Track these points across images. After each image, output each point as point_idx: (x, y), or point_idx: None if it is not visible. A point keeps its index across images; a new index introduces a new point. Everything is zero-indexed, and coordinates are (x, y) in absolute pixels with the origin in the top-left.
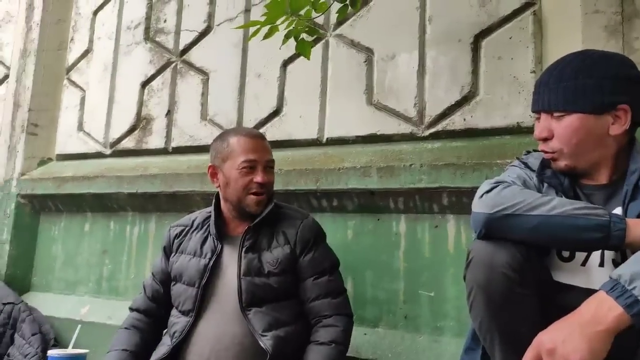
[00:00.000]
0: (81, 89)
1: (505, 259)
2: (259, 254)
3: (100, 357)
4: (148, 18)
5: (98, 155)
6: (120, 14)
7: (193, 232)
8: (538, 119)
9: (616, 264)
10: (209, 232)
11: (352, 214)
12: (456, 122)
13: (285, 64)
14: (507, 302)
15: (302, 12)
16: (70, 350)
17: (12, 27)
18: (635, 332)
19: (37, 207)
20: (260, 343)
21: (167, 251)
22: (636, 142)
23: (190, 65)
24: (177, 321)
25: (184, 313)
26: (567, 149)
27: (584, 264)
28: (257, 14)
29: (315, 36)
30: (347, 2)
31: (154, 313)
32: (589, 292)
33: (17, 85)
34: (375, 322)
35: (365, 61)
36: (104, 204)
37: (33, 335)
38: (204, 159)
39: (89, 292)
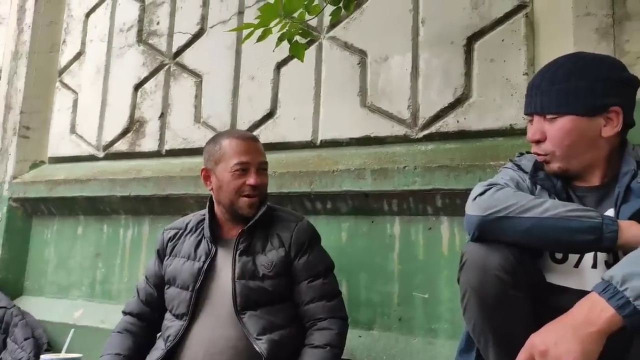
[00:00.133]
0: (73, 91)
1: (498, 261)
2: (253, 257)
3: None
4: (141, 20)
5: (91, 158)
6: (112, 16)
7: (187, 235)
8: (531, 121)
9: (608, 265)
10: (203, 235)
11: (346, 216)
12: (449, 124)
13: (279, 66)
14: (500, 304)
15: (295, 15)
16: (63, 355)
17: (4, 29)
18: (626, 333)
19: (29, 210)
20: (255, 347)
21: (161, 254)
22: (628, 144)
23: (184, 67)
24: (171, 325)
25: (178, 317)
26: (560, 151)
27: (576, 265)
28: (250, 16)
29: (308, 38)
30: (341, 4)
31: (147, 317)
32: (582, 294)
33: (8, 87)
34: (370, 325)
35: (359, 63)
36: (96, 207)
37: (25, 339)
38: (198, 161)
39: (82, 296)
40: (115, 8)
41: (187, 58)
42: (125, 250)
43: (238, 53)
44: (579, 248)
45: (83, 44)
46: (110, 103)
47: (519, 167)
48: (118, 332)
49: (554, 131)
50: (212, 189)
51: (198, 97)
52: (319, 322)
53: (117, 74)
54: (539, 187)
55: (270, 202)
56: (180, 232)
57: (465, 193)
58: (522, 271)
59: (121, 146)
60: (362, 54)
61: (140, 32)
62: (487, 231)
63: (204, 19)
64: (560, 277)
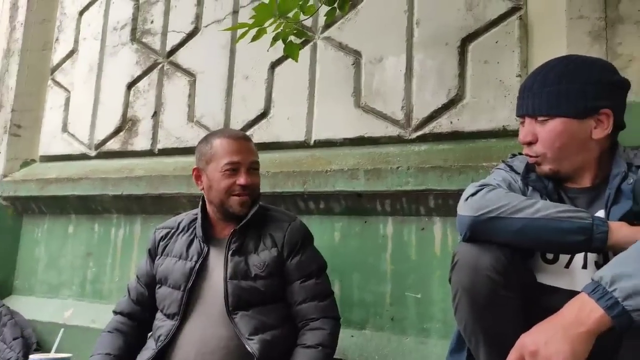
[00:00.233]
0: (66, 89)
1: (489, 261)
2: (245, 257)
3: None
4: (135, 19)
5: (83, 156)
6: (106, 14)
7: (179, 234)
8: (522, 123)
9: (599, 266)
10: (195, 234)
11: (339, 217)
12: (443, 125)
13: (273, 66)
14: (491, 304)
15: (290, 15)
16: (52, 355)
17: None
18: (615, 333)
19: (20, 209)
20: (247, 347)
21: (152, 254)
22: (619, 146)
23: (177, 66)
24: (162, 325)
25: (169, 316)
26: (551, 153)
27: (567, 266)
28: (245, 15)
29: (303, 39)
30: (335, 5)
31: (138, 316)
32: (572, 294)
33: (0, 85)
34: (362, 325)
35: (353, 64)
36: (88, 206)
37: (14, 339)
38: (191, 160)
39: (72, 295)
40: (109, 6)
41: (181, 57)
42: (117, 250)
43: (232, 52)
44: (569, 248)
45: (76, 42)
46: (102, 101)
47: (511, 168)
48: (108, 331)
49: (545, 133)
50: (203, 188)
51: (192, 96)
52: (311, 322)
53: (110, 73)
54: (530, 188)
55: (264, 201)
56: (172, 231)
57: (458, 194)
58: (513, 271)
59: (113, 145)
60: (357, 54)
61: (134, 30)
62: (478, 231)
63: (198, 18)
64: (551, 277)
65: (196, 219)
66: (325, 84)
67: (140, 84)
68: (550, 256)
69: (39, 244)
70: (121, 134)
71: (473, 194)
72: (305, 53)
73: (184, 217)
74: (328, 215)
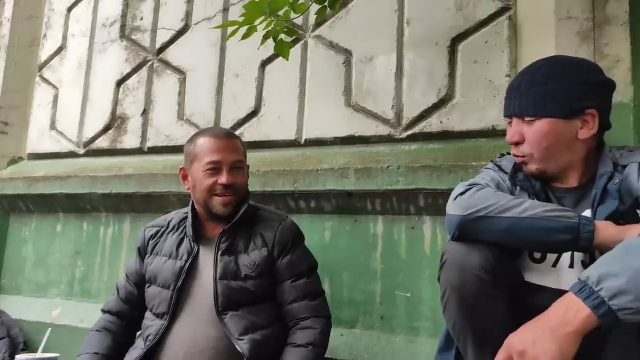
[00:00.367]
0: (54, 86)
1: (478, 260)
2: (235, 257)
3: None
4: (124, 15)
5: (71, 154)
6: (95, 10)
7: (169, 233)
8: (510, 123)
9: (585, 265)
10: (185, 233)
11: (329, 215)
12: (433, 124)
13: (264, 64)
14: (479, 303)
15: (280, 13)
16: (39, 355)
17: None
18: (601, 332)
19: (7, 207)
20: (237, 347)
21: (142, 252)
22: (605, 146)
23: (167, 64)
24: (151, 324)
25: (158, 316)
26: (538, 153)
27: (554, 265)
28: (235, 13)
29: (294, 37)
30: (326, 3)
31: (126, 315)
32: (560, 293)
33: None
34: (352, 323)
35: (344, 62)
36: (76, 205)
37: (1, 339)
38: (180, 159)
39: (60, 295)
40: (97, 2)
41: (170, 54)
42: (106, 249)
43: (222, 50)
44: (556, 247)
45: (64, 38)
46: (91, 99)
47: (500, 168)
48: (97, 330)
49: (532, 133)
50: (189, 188)
51: (181, 94)
52: (301, 322)
53: (99, 70)
54: (518, 187)
55: (254, 200)
56: (162, 230)
57: (448, 193)
58: (501, 270)
59: (102, 143)
60: (347, 53)
61: (123, 27)
62: (467, 230)
63: (188, 15)
64: (539, 276)
65: (186, 217)
66: (316, 83)
67: (129, 82)
68: (537, 255)
69: (26, 242)
70: (110, 131)
71: (462, 193)
72: (295, 51)
73: (174, 215)
74: (318, 214)
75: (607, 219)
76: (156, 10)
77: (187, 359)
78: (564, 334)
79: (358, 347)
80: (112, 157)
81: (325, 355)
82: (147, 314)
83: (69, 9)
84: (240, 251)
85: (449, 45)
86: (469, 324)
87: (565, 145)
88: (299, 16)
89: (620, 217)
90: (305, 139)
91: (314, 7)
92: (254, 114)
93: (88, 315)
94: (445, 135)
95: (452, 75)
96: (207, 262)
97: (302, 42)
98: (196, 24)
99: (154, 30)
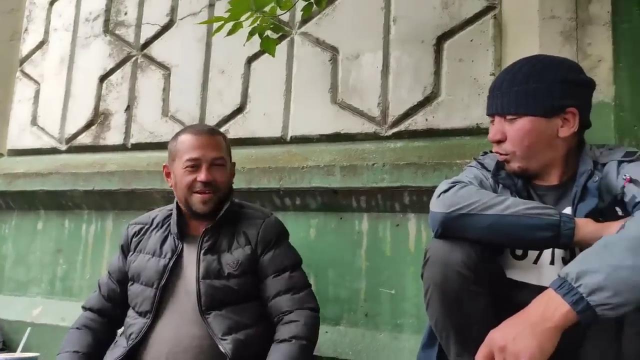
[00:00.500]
0: (35, 81)
1: (460, 257)
2: (218, 256)
3: None
4: (108, 10)
5: (53, 151)
6: (78, 4)
7: (153, 230)
8: (492, 121)
9: (566, 262)
10: (170, 231)
11: (315, 213)
12: (418, 122)
13: (250, 60)
14: (462, 299)
15: (266, 9)
16: (18, 354)
17: None
18: (580, 328)
19: None
20: (220, 347)
21: (125, 250)
22: (585, 145)
23: (152, 59)
24: (134, 322)
25: (141, 314)
26: (519, 151)
27: (535, 262)
28: (221, 8)
29: (280, 33)
30: (312, 0)
31: (108, 312)
32: (541, 289)
33: None
34: (337, 320)
35: (330, 60)
36: (58, 202)
37: None
38: (164, 156)
39: (41, 293)
40: None
41: (155, 50)
42: (88, 246)
43: (208, 46)
44: (537, 244)
45: (46, 32)
46: (74, 94)
47: (483, 166)
48: (77, 328)
49: (514, 132)
50: (172, 185)
51: (166, 90)
52: (285, 316)
53: (81, 65)
54: (501, 185)
55: (239, 197)
56: (146, 227)
57: (433, 190)
58: (483, 267)
59: (85, 139)
60: (334, 50)
61: (107, 22)
62: (450, 228)
63: (173, 10)
64: (520, 273)
65: (171, 215)
66: (302, 80)
67: (113, 77)
68: (519, 252)
69: (6, 240)
70: (93, 127)
71: (445, 191)
72: (282, 48)
73: (158, 212)
74: (304, 212)
75: (587, 216)
76: (141, 5)
77: (170, 358)
78: (543, 329)
79: (342, 344)
80: (94, 153)
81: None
82: (130, 312)
83: (51, 3)
84: (224, 250)
85: (435, 44)
86: (451, 321)
87: (546, 143)
88: (285, 13)
89: (599, 215)
90: (291, 136)
91: (301, 4)
92: (239, 110)
93: (69, 314)
94: (430, 133)
95: (437, 73)
96: (191, 260)
97: (288, 38)
98: (181, 19)
99: (138, 26)
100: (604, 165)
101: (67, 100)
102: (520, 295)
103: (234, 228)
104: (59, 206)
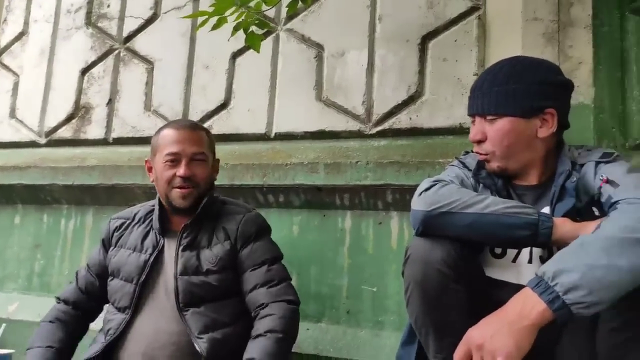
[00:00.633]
0: (14, 73)
1: (440, 255)
2: (197, 252)
3: None
4: (90, 2)
5: (32, 144)
6: None
7: (134, 226)
8: (473, 122)
9: (543, 260)
10: (152, 226)
11: (298, 210)
12: (402, 121)
13: (235, 56)
14: (441, 297)
15: (251, 4)
16: None
17: None
18: (557, 326)
19: None
20: (196, 345)
21: (106, 244)
22: (564, 145)
23: (135, 53)
24: (112, 318)
25: (120, 310)
26: (499, 151)
27: (514, 260)
28: (206, 2)
29: (265, 29)
30: None
31: (83, 305)
32: (519, 288)
33: None
34: (319, 318)
35: (316, 57)
36: (36, 196)
37: None
38: (147, 151)
39: (18, 289)
40: None
41: (138, 43)
42: (67, 242)
43: (192, 40)
44: (516, 243)
45: (26, 23)
46: (54, 87)
47: (464, 165)
48: (50, 321)
49: (494, 132)
50: (153, 180)
51: (149, 84)
52: (261, 310)
53: (62, 57)
54: (481, 184)
55: (222, 194)
56: (128, 222)
57: (415, 189)
58: (463, 265)
59: (65, 133)
60: (319, 47)
61: (89, 14)
62: (431, 226)
63: (157, 3)
64: (499, 271)
65: (153, 210)
66: (287, 77)
67: (94, 70)
68: (498, 251)
69: None
70: (73, 121)
71: (426, 190)
72: (267, 44)
73: (141, 208)
74: (287, 209)
75: (564, 215)
76: None
77: (148, 354)
78: (520, 327)
79: (324, 341)
80: (75, 147)
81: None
82: (109, 308)
83: None
84: (204, 246)
85: (420, 43)
86: (430, 318)
87: (525, 143)
88: (270, 8)
89: (577, 214)
90: (275, 133)
91: (286, 0)
92: (223, 106)
93: (47, 310)
94: (414, 132)
95: (422, 72)
96: (171, 256)
97: (273, 35)
98: (165, 13)
99: (121, 18)
100: (582, 165)
101: (47, 93)
102: (499, 294)
103: (215, 224)
104: (37, 200)
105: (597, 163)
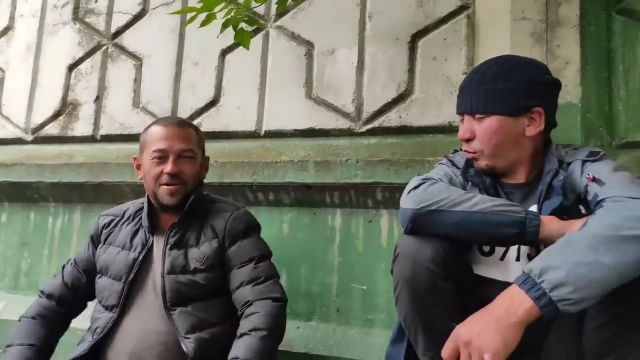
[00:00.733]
0: (0, 69)
1: (429, 253)
2: (185, 251)
3: None
4: None
5: (18, 141)
6: None
7: (124, 223)
8: (462, 120)
9: (531, 258)
10: (141, 224)
11: (288, 208)
12: (392, 119)
13: (224, 53)
14: (430, 295)
15: (241, 1)
16: None
17: None
18: (543, 322)
19: None
20: (183, 346)
21: (95, 240)
22: (551, 144)
23: (123, 49)
24: (100, 317)
25: (108, 308)
26: (487, 149)
27: (502, 258)
28: None
29: (255, 26)
30: None
31: (68, 301)
32: (507, 285)
33: None
34: (309, 316)
35: (306, 54)
36: (23, 194)
37: None
38: (135, 148)
39: (4, 288)
40: None
41: (126, 39)
42: (54, 240)
43: (181, 37)
44: (504, 241)
45: (12, 18)
46: (41, 83)
47: (453, 163)
48: (32, 317)
49: (482, 130)
50: (141, 177)
51: (137, 80)
52: (246, 309)
53: (49, 53)
54: (470, 183)
55: (211, 192)
56: (117, 219)
57: (405, 187)
58: (451, 263)
59: (52, 130)
60: (309, 45)
61: (76, 9)
62: (419, 224)
63: None
64: (487, 269)
65: (142, 208)
66: (277, 74)
67: (82, 66)
68: (486, 249)
69: None
70: (61, 118)
71: (415, 188)
72: (257, 41)
73: (130, 205)
74: (277, 207)
75: (552, 213)
76: None
77: (136, 353)
78: (508, 324)
79: (314, 340)
80: (62, 144)
81: (281, 348)
82: (96, 306)
83: None
84: (192, 245)
85: (410, 41)
86: (419, 316)
87: (513, 142)
88: (259, 5)
89: (564, 212)
90: (265, 131)
91: None
92: (213, 103)
93: None
94: (403, 130)
95: (411, 70)
96: (159, 255)
97: (263, 32)
98: (154, 8)
99: (109, 14)
100: (569, 164)
101: (33, 89)
102: (487, 291)
103: (203, 222)
104: (24, 198)
105: (584, 162)
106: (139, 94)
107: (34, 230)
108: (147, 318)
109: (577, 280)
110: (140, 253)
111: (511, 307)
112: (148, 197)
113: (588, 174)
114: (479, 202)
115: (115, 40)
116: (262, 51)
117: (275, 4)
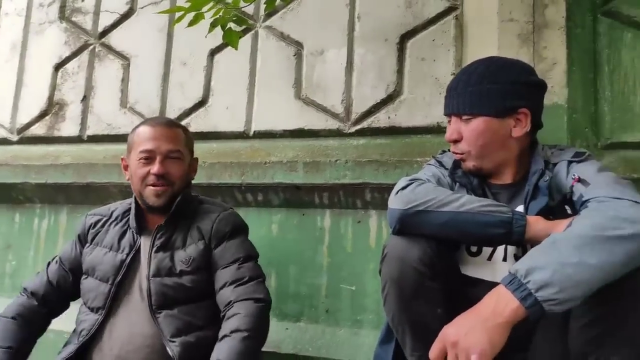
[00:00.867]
0: None
1: (417, 253)
2: (171, 253)
3: None
4: None
5: (3, 141)
6: None
7: (111, 224)
8: (450, 121)
9: (517, 258)
10: (129, 225)
11: (277, 209)
12: (381, 119)
13: (213, 52)
14: (417, 295)
15: (229, 0)
16: None
17: None
18: (529, 322)
19: None
20: (168, 349)
21: (82, 240)
22: (538, 145)
23: (110, 48)
24: (86, 319)
25: (93, 310)
26: (474, 150)
27: (489, 258)
28: None
29: (243, 26)
30: None
31: (51, 299)
32: (494, 285)
33: None
34: (298, 317)
35: (295, 55)
36: (8, 195)
37: None
38: (123, 148)
39: None
40: None
41: (114, 39)
42: (40, 242)
43: (170, 36)
44: (491, 241)
45: None
46: (26, 83)
47: (441, 164)
48: (12, 317)
49: (469, 131)
50: (129, 178)
51: (125, 80)
52: (228, 310)
53: (35, 52)
54: (457, 183)
55: (200, 193)
56: (105, 219)
57: (393, 188)
58: (439, 263)
59: (38, 130)
60: (298, 45)
61: (62, 8)
62: (407, 224)
63: None
64: (475, 269)
65: (130, 209)
66: (266, 74)
67: (68, 66)
68: (474, 249)
69: None
70: (47, 118)
71: (403, 188)
72: (246, 41)
73: (118, 205)
74: (266, 208)
75: (538, 214)
76: None
77: (122, 356)
78: (494, 325)
79: (303, 341)
80: (48, 145)
81: (269, 349)
82: (82, 308)
83: None
84: (178, 247)
85: (398, 42)
86: (407, 316)
87: (499, 143)
88: (248, 5)
89: (550, 213)
90: (254, 131)
91: None
92: (201, 104)
93: None
94: (392, 131)
95: (400, 71)
96: (146, 257)
97: (252, 32)
98: (142, 8)
99: (96, 13)
100: (555, 165)
101: (19, 89)
102: (475, 291)
103: (190, 223)
104: (8, 199)
105: (570, 162)
106: (126, 94)
107: (19, 232)
108: (133, 321)
109: (562, 281)
110: (128, 255)
111: (498, 308)
112: (135, 198)
113: (574, 175)
114: (467, 202)
115: (103, 39)
116: (251, 51)
117: (264, 4)
